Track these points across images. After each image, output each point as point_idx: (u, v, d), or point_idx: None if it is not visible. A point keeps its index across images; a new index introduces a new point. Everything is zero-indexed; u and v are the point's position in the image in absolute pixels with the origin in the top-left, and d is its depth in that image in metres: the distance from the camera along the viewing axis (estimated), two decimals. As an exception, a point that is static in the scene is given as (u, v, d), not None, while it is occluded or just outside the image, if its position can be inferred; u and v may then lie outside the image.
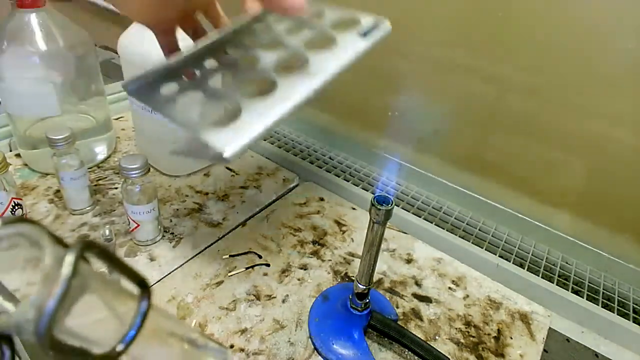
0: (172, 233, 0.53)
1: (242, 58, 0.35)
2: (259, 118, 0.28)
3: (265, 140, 0.75)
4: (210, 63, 0.36)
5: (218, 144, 0.27)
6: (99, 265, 0.13)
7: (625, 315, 0.48)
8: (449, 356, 0.40)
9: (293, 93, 0.30)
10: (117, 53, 0.58)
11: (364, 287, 0.39)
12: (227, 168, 0.67)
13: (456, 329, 0.45)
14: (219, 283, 0.47)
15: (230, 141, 0.27)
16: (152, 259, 0.49)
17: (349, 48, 0.32)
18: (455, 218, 0.62)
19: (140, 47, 0.54)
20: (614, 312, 0.48)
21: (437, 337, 0.44)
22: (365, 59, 0.67)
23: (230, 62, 0.36)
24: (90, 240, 0.13)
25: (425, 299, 0.48)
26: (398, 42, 0.62)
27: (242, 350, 0.40)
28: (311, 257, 0.52)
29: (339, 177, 0.66)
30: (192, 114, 0.30)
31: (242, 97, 0.30)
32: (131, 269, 0.14)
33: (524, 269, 0.53)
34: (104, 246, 0.13)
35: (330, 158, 0.73)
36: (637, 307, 0.50)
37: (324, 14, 0.36)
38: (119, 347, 0.13)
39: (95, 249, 0.13)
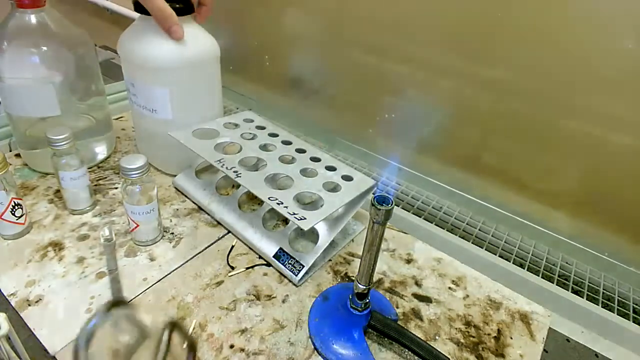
0: (172, 233, 0.53)
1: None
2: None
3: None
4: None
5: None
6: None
7: (625, 315, 0.48)
8: (449, 356, 0.40)
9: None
10: (117, 53, 0.58)
11: (364, 287, 0.39)
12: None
13: (456, 329, 0.45)
14: (219, 283, 0.47)
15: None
16: (152, 259, 0.49)
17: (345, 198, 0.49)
18: (455, 218, 0.62)
19: (140, 46, 0.54)
20: (614, 312, 0.48)
21: (437, 337, 0.44)
22: (366, 61, 0.68)
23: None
24: (175, 320, 0.22)
25: (425, 299, 0.48)
26: (398, 45, 0.62)
27: (242, 350, 0.40)
28: (311, 257, 0.52)
29: (339, 177, 0.66)
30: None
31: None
32: (189, 335, 0.24)
33: (524, 269, 0.53)
34: (181, 323, 0.23)
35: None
36: (637, 307, 0.50)
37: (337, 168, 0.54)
38: None
39: (177, 326, 0.22)
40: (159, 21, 0.51)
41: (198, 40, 0.56)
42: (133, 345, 0.22)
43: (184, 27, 0.53)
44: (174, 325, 0.22)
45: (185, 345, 0.23)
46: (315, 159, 0.55)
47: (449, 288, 0.50)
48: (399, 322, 0.45)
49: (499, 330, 0.45)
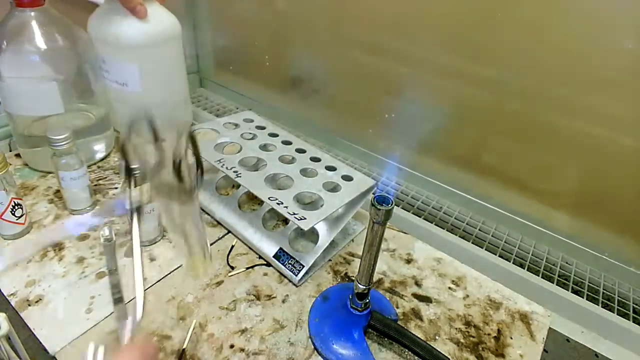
0: (172, 233, 0.53)
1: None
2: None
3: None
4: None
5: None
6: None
7: (625, 315, 0.48)
8: (449, 356, 0.40)
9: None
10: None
11: (364, 287, 0.39)
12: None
13: (456, 329, 0.45)
14: (219, 283, 0.47)
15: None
16: (152, 259, 0.49)
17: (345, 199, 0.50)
18: (455, 218, 0.62)
19: (110, 26, 0.56)
20: (614, 312, 0.48)
21: (437, 337, 0.44)
22: (366, 61, 0.68)
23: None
24: (193, 133, 0.26)
25: (425, 299, 0.48)
26: (398, 45, 0.62)
27: (242, 350, 0.40)
28: (311, 257, 0.52)
29: (339, 177, 0.66)
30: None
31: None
32: (200, 157, 0.28)
33: (524, 269, 0.53)
34: (195, 135, 0.26)
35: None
36: (637, 307, 0.50)
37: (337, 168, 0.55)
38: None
39: (193, 136, 0.26)
40: (124, 1, 0.53)
41: (162, 19, 0.61)
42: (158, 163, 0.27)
43: (147, 7, 0.57)
44: (191, 136, 0.26)
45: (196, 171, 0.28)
46: (315, 159, 0.55)
47: (449, 288, 0.50)
48: (399, 322, 0.45)
49: (499, 330, 0.45)
